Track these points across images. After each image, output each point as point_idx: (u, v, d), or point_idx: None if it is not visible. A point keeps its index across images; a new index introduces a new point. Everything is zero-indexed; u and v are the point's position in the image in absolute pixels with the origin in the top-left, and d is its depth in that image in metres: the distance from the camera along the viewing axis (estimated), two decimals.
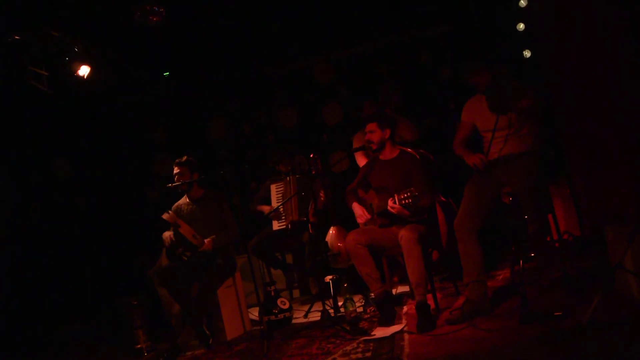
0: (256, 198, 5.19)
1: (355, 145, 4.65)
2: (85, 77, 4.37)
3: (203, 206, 4.12)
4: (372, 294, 3.57)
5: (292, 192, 4.72)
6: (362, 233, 3.55)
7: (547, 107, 4.39)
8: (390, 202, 3.33)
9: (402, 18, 5.39)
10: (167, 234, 3.98)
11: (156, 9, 4.01)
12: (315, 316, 4.06)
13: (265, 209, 4.98)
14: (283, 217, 4.83)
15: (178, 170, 4.08)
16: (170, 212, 3.96)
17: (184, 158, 4.11)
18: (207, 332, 3.80)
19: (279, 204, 4.78)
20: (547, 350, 2.45)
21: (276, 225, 4.85)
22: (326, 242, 4.25)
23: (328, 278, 3.96)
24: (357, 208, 3.75)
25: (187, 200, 4.20)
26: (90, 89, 4.71)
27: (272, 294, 4.01)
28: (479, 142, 3.46)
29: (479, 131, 3.43)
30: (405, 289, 4.10)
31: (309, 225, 4.49)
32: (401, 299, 3.98)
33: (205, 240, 3.91)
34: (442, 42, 5.50)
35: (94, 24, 4.31)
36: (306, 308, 4.29)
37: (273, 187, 4.97)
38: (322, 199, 4.62)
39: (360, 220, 3.76)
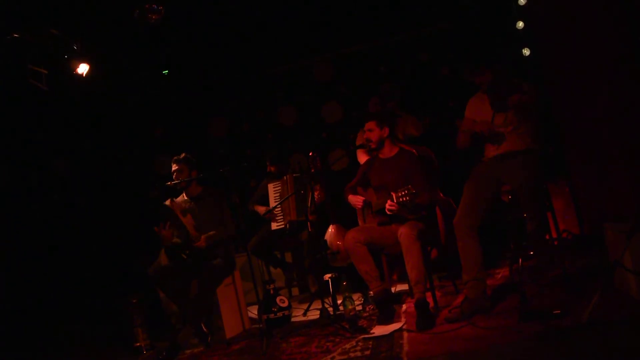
0: (253, 197, 5.19)
1: (358, 142, 4.65)
2: (84, 75, 4.37)
3: (201, 204, 4.11)
4: (371, 292, 3.57)
5: (290, 191, 4.71)
6: (361, 231, 3.55)
7: (545, 104, 4.39)
8: (388, 204, 3.33)
9: (402, 17, 5.39)
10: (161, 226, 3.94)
11: (155, 7, 4.01)
12: (314, 314, 4.06)
13: (261, 209, 4.97)
14: (280, 217, 4.82)
15: (176, 168, 4.08)
16: (173, 199, 3.95)
17: (182, 155, 4.11)
18: (206, 331, 3.80)
19: (276, 203, 4.78)
20: (546, 349, 2.45)
21: (274, 226, 4.85)
22: (325, 241, 4.25)
23: (327, 276, 3.95)
24: (352, 198, 3.76)
25: (185, 197, 4.20)
26: (89, 88, 4.71)
27: (271, 292, 4.00)
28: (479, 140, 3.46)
29: None
30: (405, 287, 4.10)
31: (308, 223, 4.48)
32: (400, 297, 3.97)
33: (201, 237, 3.90)
34: (441, 41, 5.51)
35: (93, 22, 4.31)
36: (305, 306, 4.29)
37: (270, 187, 4.97)
38: (317, 194, 4.60)
39: (357, 206, 3.76)
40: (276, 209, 4.79)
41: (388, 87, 4.73)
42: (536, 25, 4.80)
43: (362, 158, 4.50)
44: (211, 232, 3.92)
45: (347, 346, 3.09)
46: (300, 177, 4.84)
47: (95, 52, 4.45)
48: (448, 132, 4.10)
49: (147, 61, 5.44)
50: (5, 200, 5.02)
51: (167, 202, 3.93)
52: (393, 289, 4.16)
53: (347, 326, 3.42)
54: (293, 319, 4.04)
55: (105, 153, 5.78)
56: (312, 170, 4.00)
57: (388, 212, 3.36)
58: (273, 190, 4.93)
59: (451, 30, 5.43)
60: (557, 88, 4.51)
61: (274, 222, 4.85)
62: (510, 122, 3.26)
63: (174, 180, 4.06)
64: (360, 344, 3.09)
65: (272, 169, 5.03)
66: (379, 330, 3.23)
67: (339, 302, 3.78)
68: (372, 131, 3.66)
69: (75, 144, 5.60)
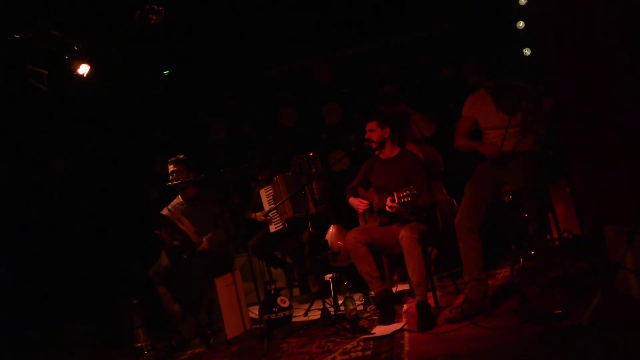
0: (248, 206, 5.18)
1: None
2: (85, 75, 4.37)
3: (197, 205, 4.10)
4: (372, 293, 3.57)
5: (282, 190, 4.71)
6: (362, 232, 3.55)
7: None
8: (388, 201, 3.33)
9: (402, 18, 5.39)
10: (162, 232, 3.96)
11: (156, 8, 4.01)
12: (315, 315, 4.07)
13: (257, 215, 4.96)
14: (277, 219, 4.82)
15: (175, 169, 4.07)
16: (169, 208, 3.96)
17: (180, 156, 4.11)
18: (209, 332, 3.81)
19: (271, 207, 4.77)
20: (547, 350, 2.45)
21: (273, 228, 4.84)
22: (326, 241, 4.25)
23: (328, 276, 3.96)
24: (353, 200, 3.76)
25: (180, 199, 4.19)
26: (90, 88, 4.71)
27: (272, 292, 4.01)
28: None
29: (480, 128, 3.42)
30: (405, 287, 4.10)
31: (309, 223, 4.48)
32: (401, 297, 3.98)
33: (203, 239, 3.90)
34: (442, 42, 5.50)
35: (93, 23, 4.31)
36: (306, 306, 4.30)
37: (262, 192, 4.97)
38: (315, 187, 4.55)
39: (360, 210, 3.76)
40: (271, 212, 4.78)
41: (390, 88, 4.72)
42: (537, 25, 4.80)
43: None
44: (209, 235, 3.93)
45: (348, 346, 3.10)
46: (289, 176, 4.82)
47: (95, 52, 4.45)
48: (448, 133, 4.09)
49: (147, 61, 5.43)
50: (5, 200, 5.01)
51: (165, 212, 3.91)
52: (394, 289, 4.16)
53: (348, 326, 3.42)
54: (294, 319, 4.05)
55: (106, 153, 5.77)
56: (313, 171, 3.99)
57: (388, 210, 3.36)
58: (265, 195, 4.93)
59: (452, 31, 5.42)
60: (558, 88, 4.52)
61: (271, 224, 4.85)
62: (516, 124, 3.26)
63: (174, 181, 4.06)
64: (361, 344, 3.10)
65: (260, 177, 5.05)
66: (379, 331, 3.23)
67: (340, 302, 3.79)
68: (373, 131, 3.66)
69: (75, 144, 5.60)
